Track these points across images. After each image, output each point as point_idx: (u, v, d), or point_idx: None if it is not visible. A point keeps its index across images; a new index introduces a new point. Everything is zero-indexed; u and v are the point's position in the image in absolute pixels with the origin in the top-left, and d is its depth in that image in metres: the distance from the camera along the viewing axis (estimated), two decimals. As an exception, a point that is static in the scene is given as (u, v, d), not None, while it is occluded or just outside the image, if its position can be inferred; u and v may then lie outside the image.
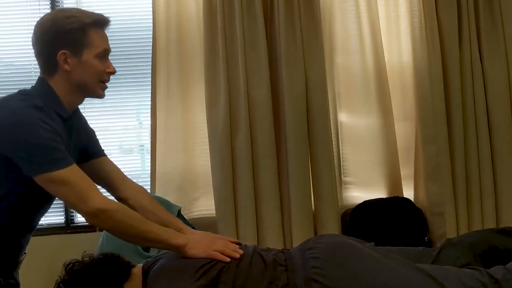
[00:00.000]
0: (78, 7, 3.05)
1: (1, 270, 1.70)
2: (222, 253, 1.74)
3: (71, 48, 1.66)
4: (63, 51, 1.66)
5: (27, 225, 1.78)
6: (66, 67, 1.67)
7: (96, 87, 1.74)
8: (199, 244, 1.76)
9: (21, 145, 1.56)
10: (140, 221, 1.69)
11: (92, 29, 1.69)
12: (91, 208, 1.58)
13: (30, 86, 1.74)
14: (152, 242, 1.75)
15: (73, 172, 1.60)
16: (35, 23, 1.71)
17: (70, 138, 1.75)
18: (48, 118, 1.61)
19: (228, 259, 1.72)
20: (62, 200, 1.70)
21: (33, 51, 1.72)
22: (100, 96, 1.77)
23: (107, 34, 1.77)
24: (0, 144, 1.59)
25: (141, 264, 1.81)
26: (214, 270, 1.69)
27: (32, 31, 1.71)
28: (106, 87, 1.78)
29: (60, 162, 1.58)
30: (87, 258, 1.75)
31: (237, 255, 1.75)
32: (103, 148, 1.97)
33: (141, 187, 2.01)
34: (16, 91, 1.73)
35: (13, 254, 1.75)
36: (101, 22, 1.72)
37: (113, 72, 1.77)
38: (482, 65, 3.13)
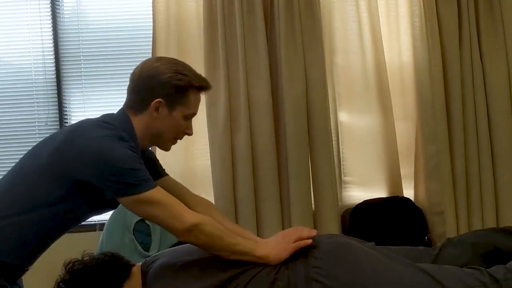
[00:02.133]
0: (76, 6, 3.06)
1: (9, 276, 1.69)
2: (300, 239, 1.70)
3: (168, 100, 1.70)
4: (160, 99, 1.69)
5: (53, 241, 1.79)
6: (155, 114, 1.71)
7: (168, 141, 1.79)
8: (279, 248, 1.70)
9: (108, 169, 1.58)
10: (227, 233, 1.69)
11: (193, 91, 1.73)
12: (187, 224, 1.61)
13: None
14: (238, 254, 1.69)
15: (162, 193, 1.63)
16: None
17: None
18: (130, 147, 1.65)
19: (310, 242, 1.69)
20: (154, 221, 1.70)
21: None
22: (167, 149, 1.82)
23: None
24: (83, 170, 1.61)
25: (140, 263, 1.81)
26: (225, 274, 1.68)
27: (139, 65, 1.78)
28: (175, 144, 1.82)
29: (149, 183, 1.62)
30: (87, 258, 1.75)
31: (314, 233, 1.72)
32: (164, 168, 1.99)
33: (209, 202, 2.01)
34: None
35: (26, 263, 1.75)
36: (205, 88, 1.77)
37: (190, 135, 1.80)
38: (482, 65, 3.13)
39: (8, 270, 1.67)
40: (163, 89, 1.69)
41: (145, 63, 1.78)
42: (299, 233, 1.74)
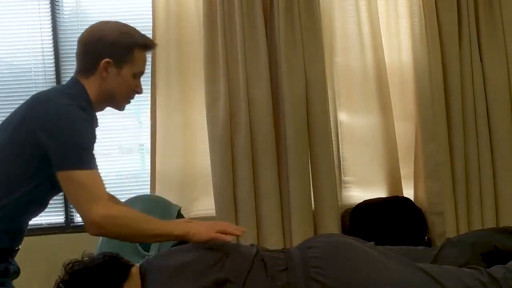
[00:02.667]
0: (76, 5, 3.07)
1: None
2: (225, 232, 1.76)
3: (115, 59, 1.78)
4: (108, 59, 1.76)
5: (33, 215, 1.84)
6: (104, 74, 1.78)
7: (121, 100, 1.86)
8: (201, 228, 1.78)
9: (61, 139, 1.65)
10: (144, 222, 1.73)
11: (139, 50, 1.82)
12: (94, 216, 1.62)
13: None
14: (156, 238, 1.80)
15: (93, 176, 1.67)
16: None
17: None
18: (88, 119, 1.74)
19: (230, 238, 1.75)
20: (70, 200, 1.73)
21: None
22: (121, 109, 1.90)
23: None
24: (41, 132, 1.65)
25: (139, 263, 1.81)
26: (223, 274, 1.68)
27: (86, 30, 1.83)
28: (129, 103, 1.90)
29: (87, 163, 1.66)
30: (87, 258, 1.75)
31: (240, 232, 1.78)
32: None
33: (111, 194, 2.03)
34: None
35: (15, 241, 1.80)
36: (149, 46, 1.87)
37: (140, 93, 1.88)
38: (482, 64, 3.13)
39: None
40: (110, 49, 1.77)
41: (92, 28, 1.83)
42: (225, 227, 1.80)
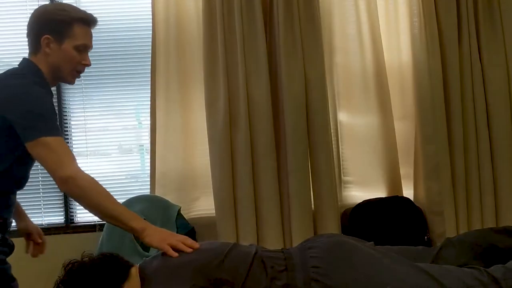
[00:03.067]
0: (76, 5, 3.07)
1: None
2: (175, 247, 1.78)
3: (55, 35, 1.90)
4: (47, 36, 1.89)
5: (17, 186, 1.95)
6: (47, 50, 1.91)
7: (68, 74, 1.96)
8: (157, 234, 1.83)
9: (25, 113, 1.78)
10: (106, 198, 1.81)
11: (77, 24, 1.93)
12: (63, 174, 1.76)
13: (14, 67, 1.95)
14: (112, 219, 1.84)
15: (60, 142, 1.80)
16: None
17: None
18: (46, 91, 1.89)
19: (176, 255, 1.76)
20: (42, 165, 1.83)
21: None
22: (70, 82, 2.00)
23: (97, 33, 2.03)
24: (9, 116, 1.79)
25: (139, 264, 1.81)
26: (222, 274, 1.68)
27: (33, 11, 1.98)
28: (79, 77, 2.00)
29: (53, 130, 1.80)
30: (87, 258, 1.75)
31: (189, 250, 1.78)
32: None
33: None
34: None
35: (10, 213, 1.94)
36: (87, 20, 1.96)
37: (88, 65, 1.98)
38: (481, 64, 3.13)
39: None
40: (49, 27, 1.90)
41: (34, 10, 1.98)
42: (179, 242, 1.81)
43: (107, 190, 1.83)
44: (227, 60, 2.99)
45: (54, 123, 1.83)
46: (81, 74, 2.00)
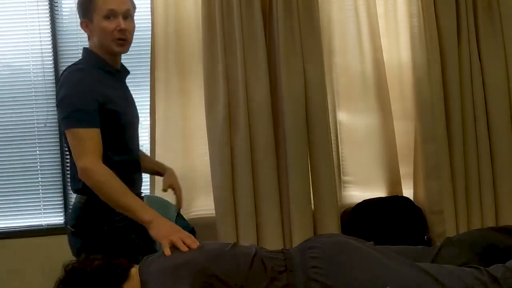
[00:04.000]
0: (74, 6, 3.07)
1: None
2: (175, 244, 1.79)
3: (86, 16, 2.00)
4: (82, 20, 2.02)
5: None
6: (88, 32, 2.02)
7: (111, 45, 1.99)
8: (162, 228, 1.86)
9: (62, 103, 1.94)
10: (118, 192, 1.89)
11: None
12: (81, 165, 1.87)
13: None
14: (124, 211, 1.90)
15: (86, 133, 1.89)
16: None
17: (122, 86, 2.11)
18: (89, 76, 1.95)
19: (169, 253, 1.77)
20: (72, 154, 1.93)
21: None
22: (121, 52, 2.03)
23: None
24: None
25: (139, 264, 1.81)
26: (221, 274, 1.68)
27: None
28: (123, 43, 2.00)
29: (82, 122, 1.89)
30: (87, 259, 1.75)
31: (185, 249, 1.78)
32: None
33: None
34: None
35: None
36: None
37: (124, 28, 1.98)
38: (481, 64, 3.13)
39: None
40: (81, 10, 2.03)
41: None
42: (185, 237, 1.82)
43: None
44: (227, 60, 2.99)
45: (86, 114, 1.89)
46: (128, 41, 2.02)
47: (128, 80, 2.71)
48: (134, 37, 3.18)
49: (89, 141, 1.89)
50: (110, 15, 1.96)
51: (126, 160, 2.05)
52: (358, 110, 3.20)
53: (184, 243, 1.79)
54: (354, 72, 3.17)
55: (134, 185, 2.06)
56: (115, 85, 2.04)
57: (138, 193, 2.08)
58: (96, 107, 1.91)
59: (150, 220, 1.86)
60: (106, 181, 1.87)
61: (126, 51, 2.04)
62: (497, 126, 3.12)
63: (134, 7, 2.11)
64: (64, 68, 3.13)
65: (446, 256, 1.90)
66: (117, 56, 2.05)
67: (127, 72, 2.16)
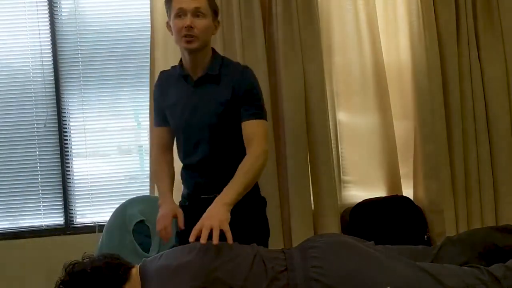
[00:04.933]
0: (74, 7, 3.07)
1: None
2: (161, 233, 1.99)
3: (169, 17, 2.10)
4: (167, 21, 2.12)
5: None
6: (171, 34, 2.11)
7: (180, 43, 2.06)
8: (159, 215, 2.05)
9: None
10: (155, 177, 2.30)
11: None
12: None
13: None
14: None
15: (154, 132, 2.26)
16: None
17: (195, 93, 2.10)
18: (161, 84, 2.21)
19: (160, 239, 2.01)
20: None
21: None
22: (189, 49, 2.04)
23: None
24: None
25: (139, 265, 1.81)
26: (220, 274, 1.68)
27: None
28: (189, 40, 2.03)
29: (154, 122, 2.26)
30: (87, 259, 1.75)
31: (164, 242, 1.99)
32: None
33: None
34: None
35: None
36: None
37: (189, 25, 2.00)
38: (480, 63, 3.13)
39: None
40: (166, 12, 2.12)
41: None
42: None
43: (156, 173, 2.22)
44: (226, 60, 2.98)
45: (156, 116, 2.22)
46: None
47: (127, 81, 2.76)
48: (133, 37, 3.23)
49: (153, 137, 2.42)
50: (181, 13, 2.02)
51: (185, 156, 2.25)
52: (357, 110, 3.20)
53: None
54: (353, 71, 3.17)
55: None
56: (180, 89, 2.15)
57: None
58: (160, 108, 2.25)
59: (160, 204, 2.08)
60: (152, 168, 2.37)
61: (194, 47, 2.03)
62: (497, 125, 3.12)
63: (210, 5, 2.08)
64: (64, 69, 3.19)
65: (446, 255, 1.90)
66: (194, 55, 2.06)
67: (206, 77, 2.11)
